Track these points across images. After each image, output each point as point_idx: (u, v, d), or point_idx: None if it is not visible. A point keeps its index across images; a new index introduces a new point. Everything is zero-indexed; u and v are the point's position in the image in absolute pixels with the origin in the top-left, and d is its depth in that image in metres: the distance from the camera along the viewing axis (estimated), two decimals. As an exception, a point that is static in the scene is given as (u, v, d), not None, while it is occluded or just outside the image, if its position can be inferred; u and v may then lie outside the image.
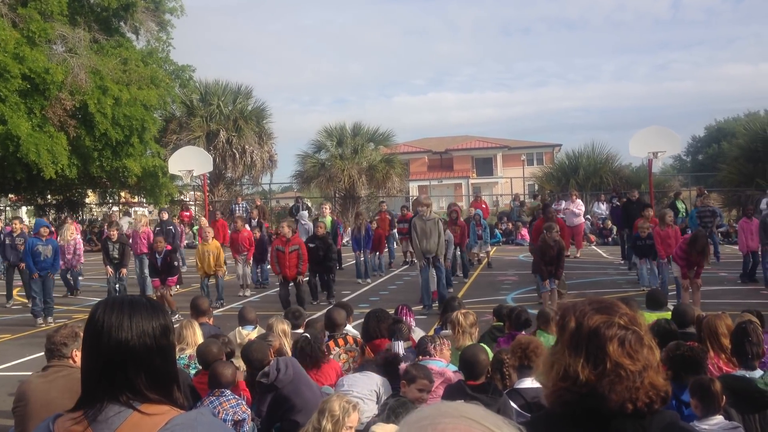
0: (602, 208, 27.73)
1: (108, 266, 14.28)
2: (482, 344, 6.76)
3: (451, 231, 15.63)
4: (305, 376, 5.68)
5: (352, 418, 4.37)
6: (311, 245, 14.22)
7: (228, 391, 5.25)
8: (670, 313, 8.18)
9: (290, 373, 5.60)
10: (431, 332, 8.16)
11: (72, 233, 16.67)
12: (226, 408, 5.07)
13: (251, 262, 16.45)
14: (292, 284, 13.70)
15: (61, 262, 15.51)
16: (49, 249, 13.01)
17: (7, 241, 15.55)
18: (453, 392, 5.06)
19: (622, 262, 18.89)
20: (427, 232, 12.72)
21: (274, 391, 5.54)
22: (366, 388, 5.57)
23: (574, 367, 1.88)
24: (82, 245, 17.10)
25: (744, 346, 5.13)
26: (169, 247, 13.89)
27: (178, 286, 13.96)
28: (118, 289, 14.31)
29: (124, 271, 14.40)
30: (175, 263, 13.58)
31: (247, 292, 15.85)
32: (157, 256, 13.31)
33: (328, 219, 18.01)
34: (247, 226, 17.96)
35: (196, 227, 25.49)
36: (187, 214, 29.98)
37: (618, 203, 24.91)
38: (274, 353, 6.36)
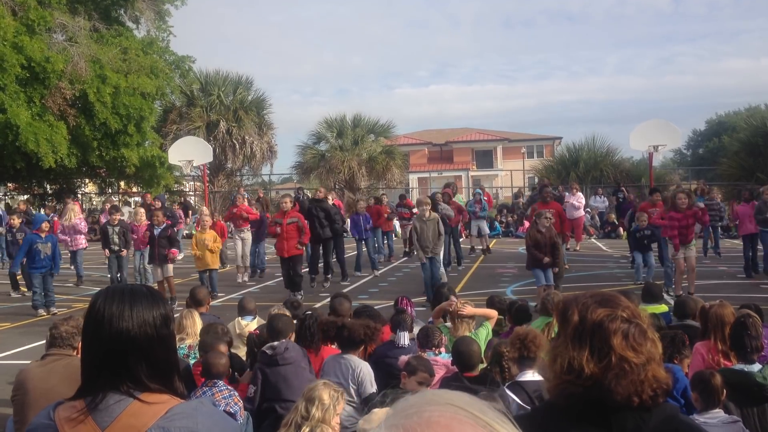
0: (599, 201, 27.74)
1: (106, 249, 14.51)
2: (483, 328, 6.78)
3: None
4: (306, 368, 5.67)
5: (341, 406, 4.39)
6: (309, 206, 14.27)
7: (221, 382, 5.25)
8: (664, 306, 8.21)
9: (294, 356, 5.60)
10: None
11: (76, 213, 16.78)
12: (218, 399, 5.06)
13: (249, 235, 16.32)
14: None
15: (68, 238, 15.67)
16: (48, 246, 12.86)
17: (9, 237, 15.50)
18: (450, 384, 5.05)
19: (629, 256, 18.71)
20: (426, 232, 12.90)
21: (273, 367, 5.55)
22: (346, 384, 5.54)
23: (579, 360, 1.88)
24: (85, 225, 17.16)
25: (743, 340, 5.14)
26: (169, 221, 13.84)
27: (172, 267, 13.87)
28: (119, 278, 14.32)
29: (124, 252, 14.55)
30: (176, 236, 13.63)
31: (245, 277, 15.84)
32: (155, 228, 13.30)
33: None
34: (246, 203, 17.84)
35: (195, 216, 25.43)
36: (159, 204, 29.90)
37: (624, 197, 24.86)
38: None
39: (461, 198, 19.30)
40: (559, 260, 12.29)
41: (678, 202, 12.39)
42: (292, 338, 6.02)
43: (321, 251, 15.20)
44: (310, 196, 31.47)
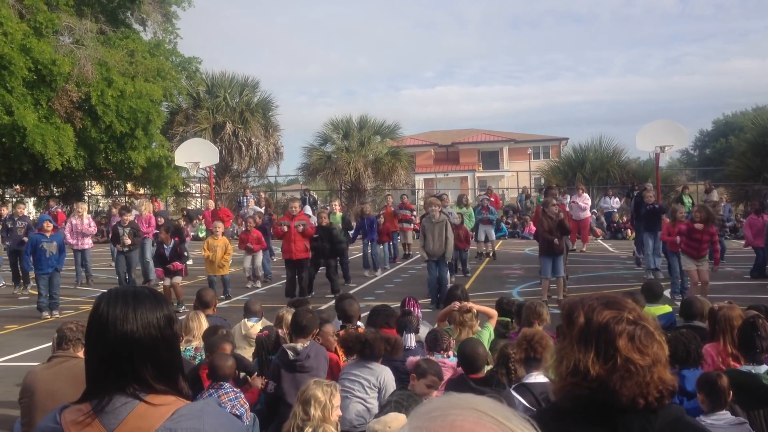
0: (609, 202, 27.62)
1: (117, 245, 14.43)
2: (486, 330, 6.77)
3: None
4: (324, 378, 5.68)
5: (336, 399, 4.38)
6: (315, 236, 14.16)
7: (227, 384, 5.27)
8: (668, 306, 8.17)
9: (314, 365, 5.59)
10: (436, 326, 8.13)
11: (86, 212, 16.91)
12: (224, 401, 5.07)
13: (260, 252, 16.26)
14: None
15: (73, 241, 15.75)
16: (54, 246, 12.82)
17: (9, 225, 15.42)
18: (456, 386, 5.05)
19: (632, 255, 18.62)
20: (435, 235, 12.73)
21: (291, 371, 5.56)
22: (366, 384, 5.56)
23: (585, 362, 1.87)
24: (94, 227, 17.21)
25: (754, 341, 5.09)
26: (177, 239, 13.88)
27: (181, 278, 13.94)
28: (127, 278, 14.31)
29: (128, 240, 14.29)
30: (185, 253, 13.66)
31: (258, 284, 15.80)
32: (165, 247, 13.34)
33: (338, 215, 17.86)
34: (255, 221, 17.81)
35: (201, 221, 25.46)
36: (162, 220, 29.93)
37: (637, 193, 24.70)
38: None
39: (472, 213, 19.09)
40: (566, 231, 12.70)
41: (678, 215, 12.69)
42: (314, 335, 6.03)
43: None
44: (315, 197, 31.65)
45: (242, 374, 6.21)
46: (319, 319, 6.23)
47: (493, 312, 7.05)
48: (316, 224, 14.98)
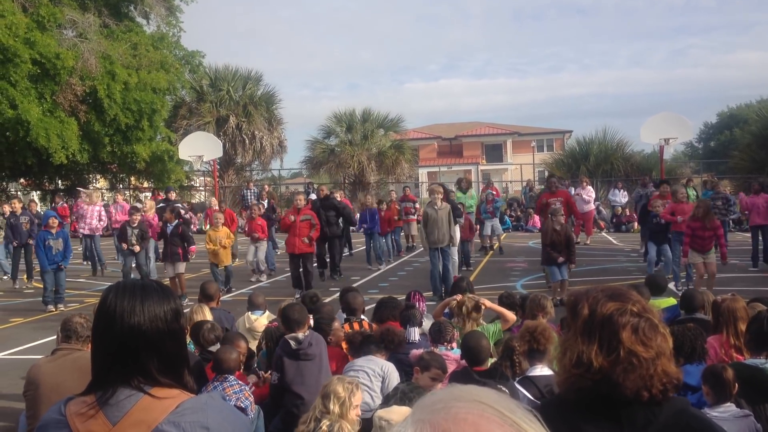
0: (617, 195, 27.50)
1: (123, 244, 14.32)
2: (493, 325, 6.76)
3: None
4: (326, 365, 5.70)
5: (357, 397, 4.40)
6: (318, 205, 14.20)
7: (232, 377, 5.28)
8: (672, 299, 8.15)
9: (316, 352, 5.62)
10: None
11: (98, 196, 17.11)
12: (229, 394, 5.09)
13: (265, 243, 16.15)
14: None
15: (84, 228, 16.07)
16: (60, 242, 12.85)
17: (13, 222, 15.38)
18: (459, 379, 5.05)
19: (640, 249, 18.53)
20: (438, 222, 12.54)
21: (294, 359, 5.58)
22: (371, 372, 5.58)
23: (588, 354, 1.87)
24: (104, 212, 17.46)
25: None
26: (182, 220, 13.82)
27: (184, 267, 13.84)
28: (131, 270, 14.30)
29: (137, 248, 14.10)
30: (189, 233, 13.61)
31: (262, 278, 15.78)
32: (168, 225, 13.31)
33: None
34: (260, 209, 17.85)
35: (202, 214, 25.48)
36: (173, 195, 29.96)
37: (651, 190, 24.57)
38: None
39: (474, 195, 18.97)
40: (573, 254, 12.37)
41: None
42: (308, 325, 6.05)
43: (327, 248, 15.19)
44: (315, 198, 31.64)
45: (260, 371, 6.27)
46: (307, 311, 6.24)
47: (511, 316, 6.89)
48: (316, 197, 14.95)
